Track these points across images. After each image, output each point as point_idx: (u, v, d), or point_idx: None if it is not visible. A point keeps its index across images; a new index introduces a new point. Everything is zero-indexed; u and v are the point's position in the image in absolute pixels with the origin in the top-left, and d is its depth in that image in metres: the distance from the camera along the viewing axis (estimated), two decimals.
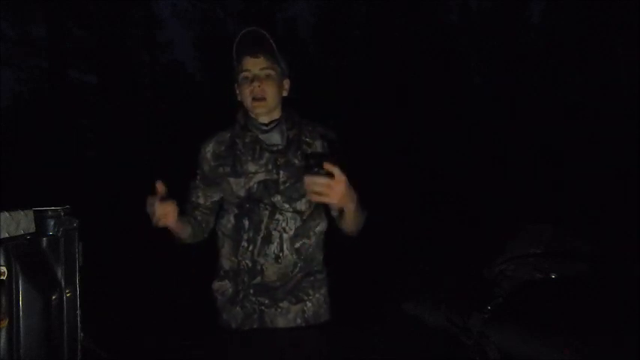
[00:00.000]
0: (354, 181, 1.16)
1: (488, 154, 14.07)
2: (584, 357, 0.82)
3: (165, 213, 1.26)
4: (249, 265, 1.39)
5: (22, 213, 0.56)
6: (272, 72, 1.37)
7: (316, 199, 1.13)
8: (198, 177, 1.49)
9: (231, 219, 1.43)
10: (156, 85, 18.20)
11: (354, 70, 18.30)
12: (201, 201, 1.49)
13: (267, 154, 1.40)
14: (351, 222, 1.34)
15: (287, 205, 1.39)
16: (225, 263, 1.46)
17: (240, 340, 1.37)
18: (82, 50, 15.94)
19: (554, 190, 8.95)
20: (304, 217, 1.42)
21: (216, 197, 1.48)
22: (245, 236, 1.40)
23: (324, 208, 1.49)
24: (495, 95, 18.07)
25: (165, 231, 1.35)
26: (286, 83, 1.45)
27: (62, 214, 0.62)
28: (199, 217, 1.49)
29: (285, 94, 1.46)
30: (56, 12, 14.60)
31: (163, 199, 1.27)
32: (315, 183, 1.09)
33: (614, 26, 16.35)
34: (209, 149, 1.46)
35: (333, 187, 1.09)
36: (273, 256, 1.38)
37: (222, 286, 1.46)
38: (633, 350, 0.81)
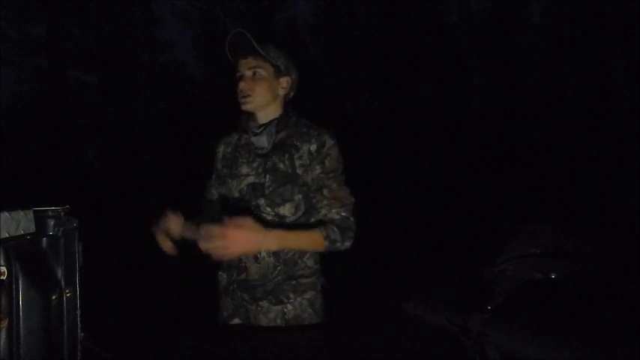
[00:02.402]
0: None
1: (488, 154, 14.06)
2: (584, 357, 0.82)
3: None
4: (236, 261, 1.43)
5: (22, 213, 0.56)
6: (260, 70, 1.40)
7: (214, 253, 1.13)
8: (213, 176, 1.56)
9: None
10: (156, 85, 18.20)
11: (354, 70, 18.29)
12: (217, 199, 1.55)
13: (258, 158, 1.43)
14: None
15: (269, 209, 1.40)
16: None
17: (241, 341, 1.37)
18: (82, 50, 15.96)
19: (554, 190, 8.94)
20: (287, 221, 1.40)
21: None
22: None
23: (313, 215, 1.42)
24: (495, 95, 18.07)
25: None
26: (284, 82, 1.44)
27: (62, 214, 0.62)
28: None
29: (283, 92, 1.45)
30: (56, 12, 14.60)
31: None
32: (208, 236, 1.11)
33: (614, 26, 16.34)
34: (220, 150, 1.54)
35: (227, 237, 1.11)
36: (252, 256, 1.40)
37: (220, 276, 1.51)
38: (633, 350, 0.81)
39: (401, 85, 17.10)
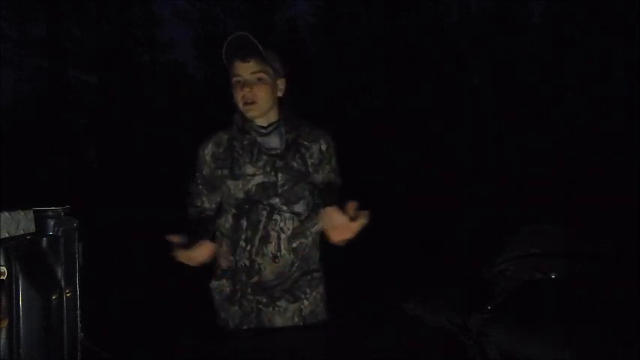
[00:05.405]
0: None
1: (488, 154, 14.06)
2: (584, 357, 0.82)
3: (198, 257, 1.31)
4: (247, 264, 1.40)
5: (22, 213, 0.56)
6: (263, 74, 1.37)
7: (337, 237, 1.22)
8: (199, 181, 1.49)
9: (230, 219, 1.43)
10: (156, 85, 18.21)
11: (354, 70, 18.29)
12: (206, 205, 1.50)
13: (265, 157, 1.40)
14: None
15: (285, 207, 1.40)
16: (223, 262, 1.46)
17: (240, 341, 1.37)
18: (82, 50, 15.97)
19: (554, 190, 8.94)
20: (301, 218, 1.42)
21: (218, 199, 1.49)
22: (243, 236, 1.40)
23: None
24: (495, 95, 18.07)
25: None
26: (281, 83, 1.44)
27: (62, 214, 0.61)
28: (206, 220, 1.51)
29: (280, 94, 1.44)
30: (56, 12, 14.60)
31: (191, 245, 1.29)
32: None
33: (614, 26, 16.35)
34: (208, 151, 1.45)
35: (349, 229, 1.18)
36: (271, 255, 1.39)
37: (221, 285, 1.46)
38: (633, 350, 0.81)
39: (401, 85, 17.10)
